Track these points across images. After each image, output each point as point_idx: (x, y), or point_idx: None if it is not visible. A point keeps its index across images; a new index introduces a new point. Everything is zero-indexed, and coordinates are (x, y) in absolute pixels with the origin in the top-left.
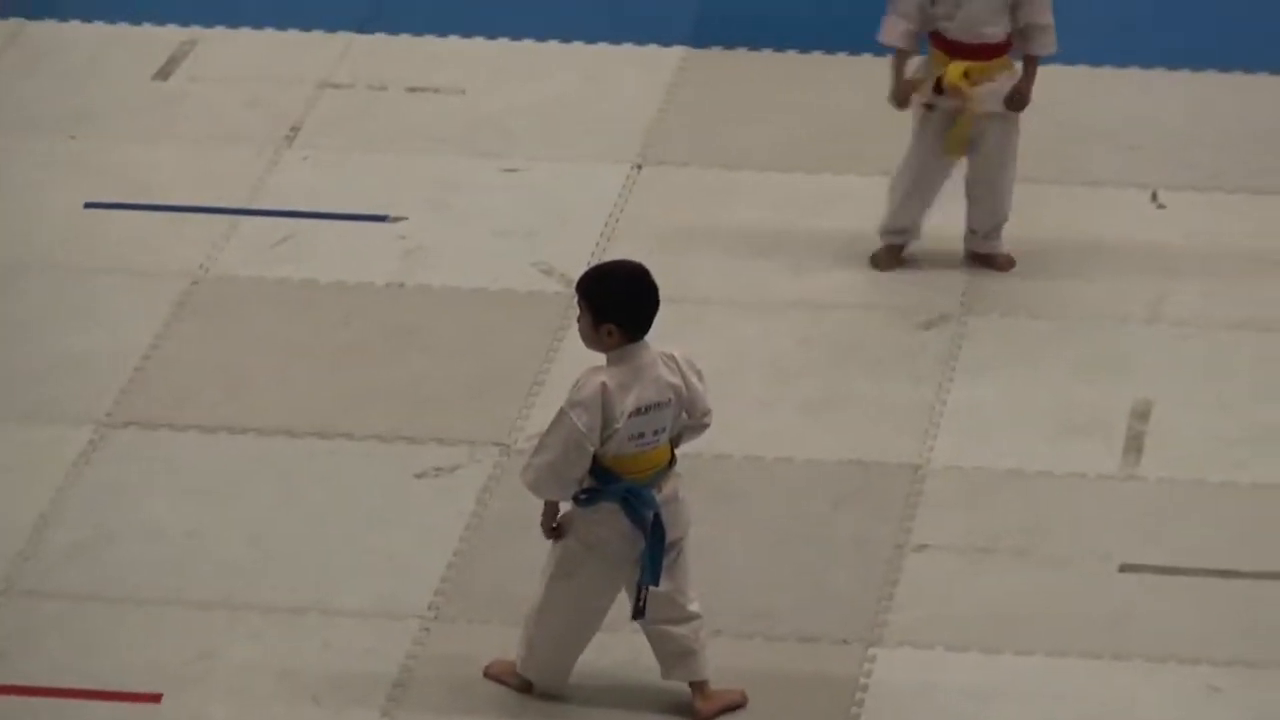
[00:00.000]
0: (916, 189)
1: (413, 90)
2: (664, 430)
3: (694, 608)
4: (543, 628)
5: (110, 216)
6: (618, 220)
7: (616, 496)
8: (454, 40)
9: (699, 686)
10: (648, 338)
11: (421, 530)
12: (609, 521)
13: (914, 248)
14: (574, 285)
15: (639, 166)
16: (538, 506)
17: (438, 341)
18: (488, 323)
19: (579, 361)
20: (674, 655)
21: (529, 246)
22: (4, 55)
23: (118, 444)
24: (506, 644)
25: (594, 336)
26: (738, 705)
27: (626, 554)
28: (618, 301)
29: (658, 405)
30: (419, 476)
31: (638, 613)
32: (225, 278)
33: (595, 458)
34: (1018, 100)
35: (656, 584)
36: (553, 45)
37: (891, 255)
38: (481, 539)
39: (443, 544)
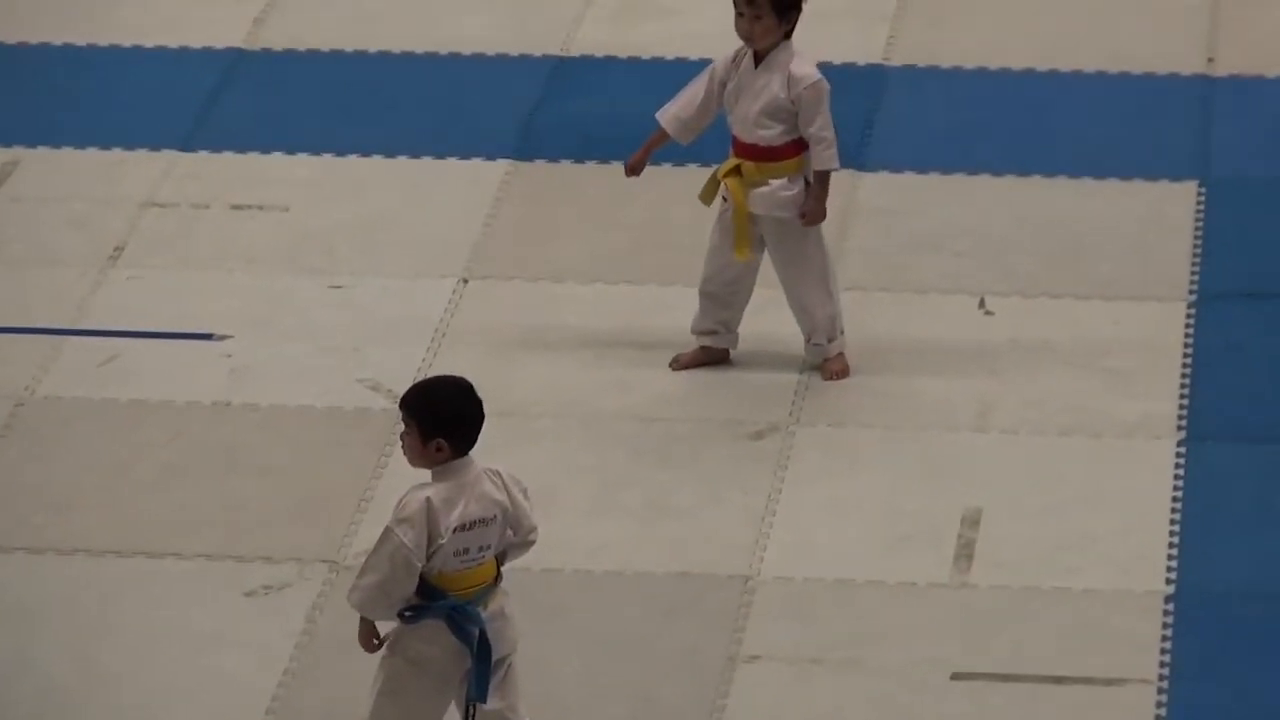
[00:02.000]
0: (711, 286)
1: (236, 208)
2: (489, 547)
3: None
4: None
5: None
6: (444, 334)
7: (442, 613)
8: (277, 157)
9: None
10: (473, 453)
11: (252, 649)
12: (435, 638)
13: (745, 352)
14: (399, 402)
15: (465, 280)
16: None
17: (265, 459)
18: (314, 440)
19: (406, 477)
20: None
21: (355, 363)
22: None
23: None
24: None
25: (421, 452)
26: None
27: (453, 671)
28: (445, 417)
29: (483, 521)
30: (248, 595)
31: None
32: (51, 398)
33: (421, 575)
34: (807, 216)
35: (484, 701)
36: (377, 160)
37: (697, 355)
38: (312, 657)
39: (274, 662)
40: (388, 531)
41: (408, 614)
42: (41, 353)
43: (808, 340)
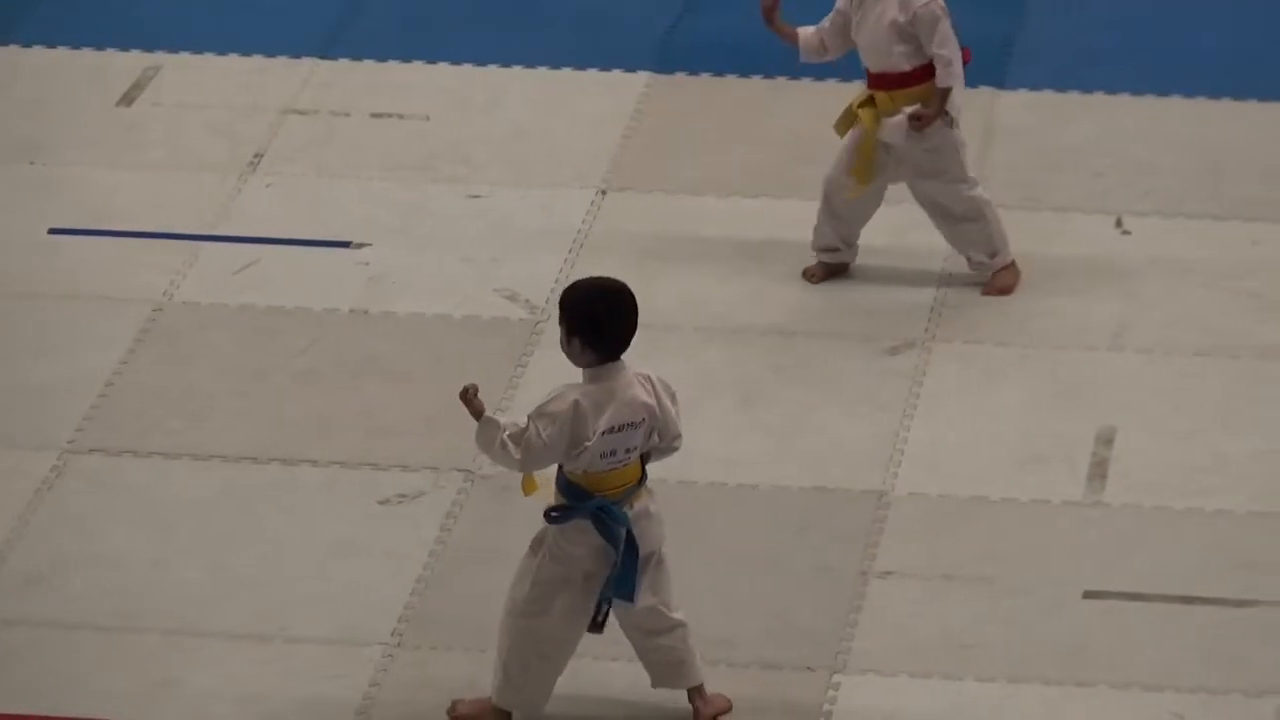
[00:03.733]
0: (828, 205)
1: (376, 116)
2: (635, 449)
3: (678, 615)
4: (518, 656)
5: (72, 243)
6: (581, 245)
7: (588, 514)
8: (418, 66)
9: (696, 691)
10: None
11: (385, 557)
12: (581, 539)
13: (884, 267)
14: (541, 309)
15: (603, 192)
16: (503, 534)
17: (402, 368)
18: (451, 349)
19: (543, 387)
20: (664, 665)
21: (492, 273)
22: None
23: (80, 471)
24: (471, 671)
25: (567, 349)
26: (728, 709)
27: (597, 572)
28: (583, 318)
29: (631, 425)
30: (382, 503)
31: (596, 627)
32: (188, 304)
33: (566, 475)
34: (914, 120)
35: (631, 599)
36: (517, 71)
37: (821, 270)
38: (445, 565)
39: (407, 571)
40: (529, 420)
41: (554, 514)
42: (180, 258)
43: (969, 260)
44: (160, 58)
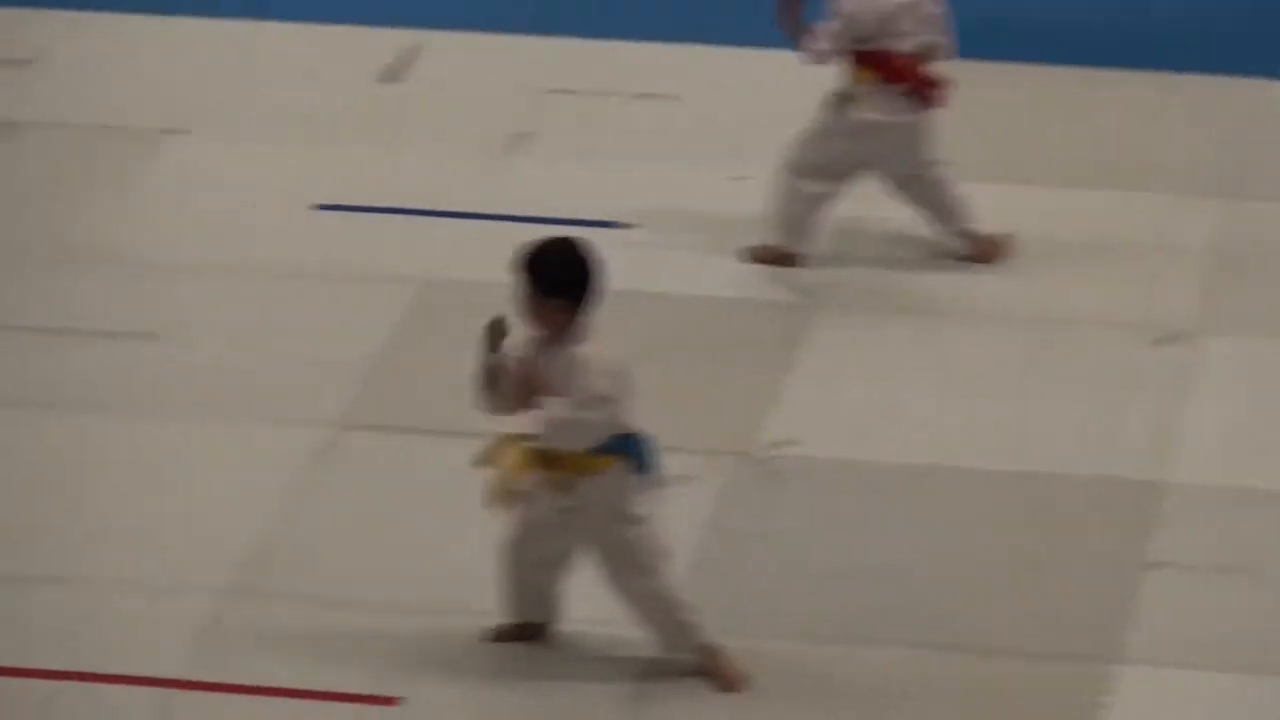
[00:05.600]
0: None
1: (639, 96)
2: None
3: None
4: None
5: (339, 220)
6: (852, 231)
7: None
8: (680, 47)
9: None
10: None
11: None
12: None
13: (1147, 252)
14: (809, 291)
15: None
16: (774, 516)
17: (675, 350)
18: (722, 330)
19: (817, 371)
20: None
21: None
22: (230, 55)
23: (349, 448)
24: (739, 653)
25: (539, 313)
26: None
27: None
28: (564, 277)
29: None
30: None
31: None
32: (456, 282)
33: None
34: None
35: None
36: (777, 54)
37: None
38: (717, 548)
39: (680, 553)
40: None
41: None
42: (447, 236)
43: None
44: (424, 35)
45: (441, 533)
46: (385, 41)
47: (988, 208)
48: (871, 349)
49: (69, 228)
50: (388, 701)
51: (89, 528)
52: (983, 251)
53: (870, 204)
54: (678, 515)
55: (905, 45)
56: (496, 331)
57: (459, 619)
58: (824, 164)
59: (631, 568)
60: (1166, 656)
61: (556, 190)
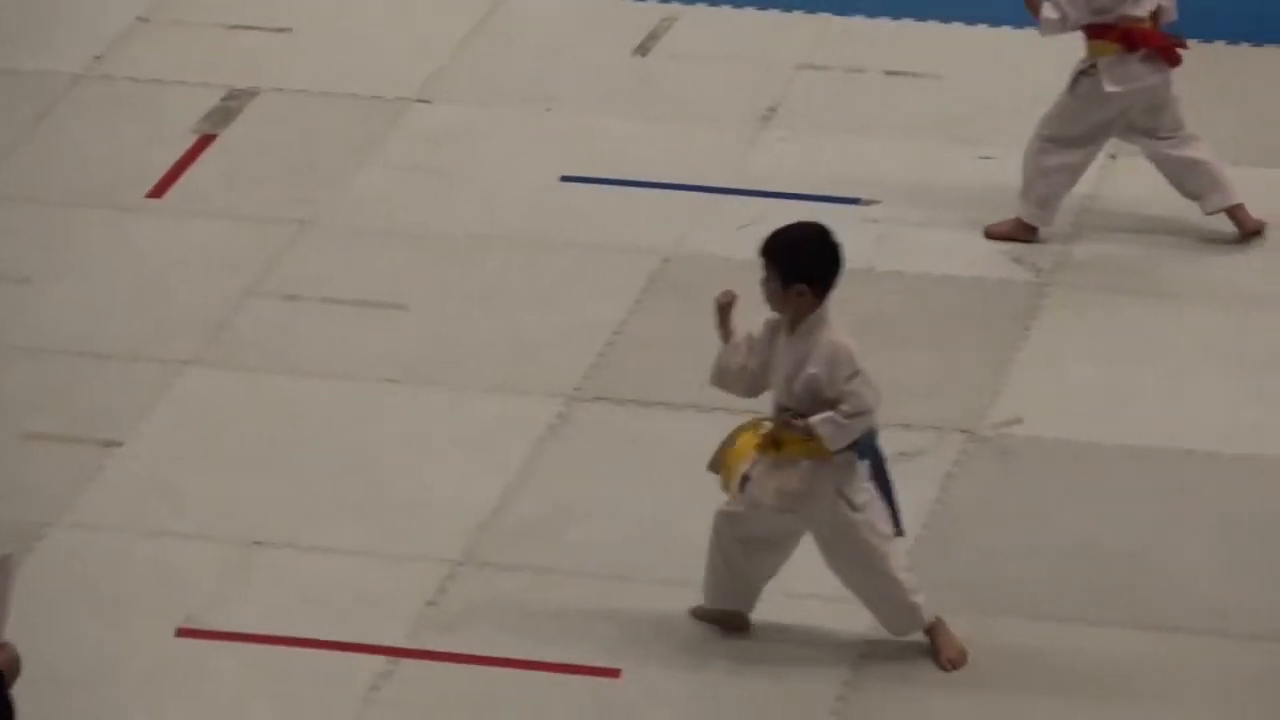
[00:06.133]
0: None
1: (890, 74)
2: None
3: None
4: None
5: (584, 191)
6: (1088, 210)
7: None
8: (932, 25)
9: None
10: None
11: None
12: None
13: None
14: (1046, 272)
15: (1114, 156)
16: (1003, 495)
17: (907, 327)
18: (957, 309)
19: (1049, 351)
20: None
21: None
22: (484, 28)
23: (584, 420)
24: (964, 632)
25: (783, 297)
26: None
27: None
28: (809, 264)
29: None
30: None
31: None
32: (698, 255)
33: None
34: None
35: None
36: (1030, 33)
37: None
38: (947, 525)
39: (909, 529)
40: (864, 380)
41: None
42: (691, 209)
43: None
44: (676, 8)
45: (674, 508)
46: (639, 15)
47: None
48: (1105, 328)
49: (315, 196)
50: (610, 674)
51: (327, 496)
52: (1241, 222)
53: (1110, 182)
54: (906, 491)
55: (1140, 11)
56: (723, 309)
57: (687, 593)
58: (1074, 136)
59: (854, 552)
60: None
61: (802, 166)
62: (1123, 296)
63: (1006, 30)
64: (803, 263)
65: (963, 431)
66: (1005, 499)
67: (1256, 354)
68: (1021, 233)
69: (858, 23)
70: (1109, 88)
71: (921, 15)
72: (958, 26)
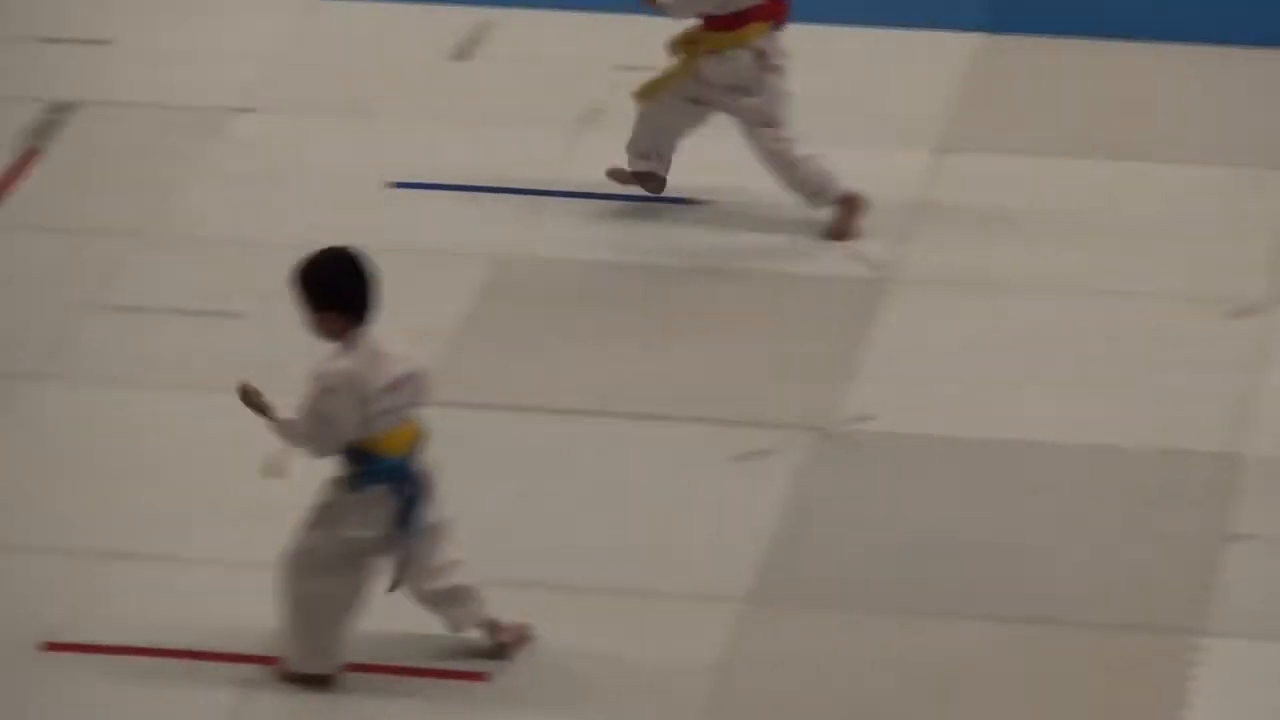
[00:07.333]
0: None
1: None
2: (412, 403)
3: (455, 555)
4: (324, 620)
5: (412, 196)
6: (920, 207)
7: (383, 477)
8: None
9: (489, 625)
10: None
11: (739, 514)
12: (379, 503)
13: (1211, 225)
14: (885, 267)
15: (941, 152)
16: (859, 493)
17: (746, 325)
18: (796, 306)
19: (891, 346)
20: (458, 604)
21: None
22: (301, 37)
23: (434, 425)
24: (824, 628)
25: (318, 326)
26: (528, 636)
27: (389, 532)
28: (328, 292)
29: (405, 378)
30: (736, 459)
31: (395, 585)
32: (531, 259)
33: (354, 441)
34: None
35: (413, 534)
36: (845, 30)
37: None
38: (799, 524)
39: (762, 529)
40: (315, 401)
41: (353, 482)
42: (520, 212)
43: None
44: (493, 13)
45: (520, 508)
46: (456, 19)
47: (1060, 181)
48: (945, 324)
49: (144, 207)
50: (476, 677)
51: (178, 506)
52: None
53: (940, 180)
54: (759, 490)
55: None
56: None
57: (546, 594)
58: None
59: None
60: (1252, 629)
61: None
62: (959, 291)
63: (818, 28)
64: (326, 289)
65: (812, 429)
66: (858, 495)
67: (1092, 346)
68: None
69: (669, 23)
70: None
71: None
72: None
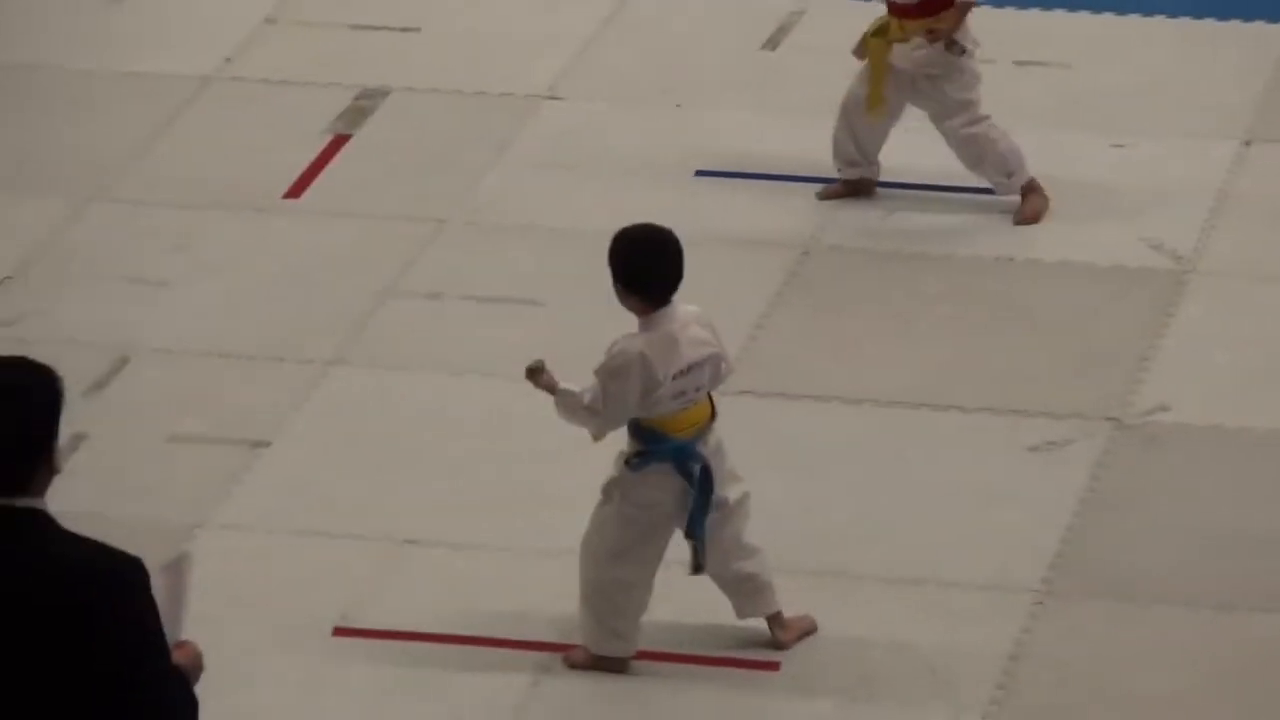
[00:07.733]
0: (846, 119)
1: (1019, 64)
2: (703, 386)
3: (755, 543)
4: (611, 604)
5: (719, 185)
6: (1226, 197)
7: (667, 456)
8: (1059, 14)
9: (775, 619)
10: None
11: (1034, 504)
12: (663, 483)
13: None
14: (1186, 260)
15: (1248, 143)
16: (1151, 483)
17: (1046, 315)
18: (1097, 296)
19: (1190, 337)
20: (746, 594)
21: (1137, 222)
22: (612, 24)
23: (730, 413)
24: (1119, 620)
25: (622, 299)
26: (812, 631)
27: (679, 512)
28: (634, 267)
29: (697, 364)
30: (1031, 450)
31: (697, 568)
32: (835, 248)
33: (639, 420)
34: (929, 34)
35: (696, 535)
36: (1158, 20)
37: (842, 188)
38: (1094, 515)
39: (1055, 520)
40: (602, 379)
41: (634, 461)
42: (825, 202)
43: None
44: (805, 1)
45: (819, 496)
46: (766, 8)
47: None
48: (1247, 316)
49: (449, 194)
50: (771, 666)
51: (474, 493)
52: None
53: (1244, 169)
54: (1055, 480)
55: None
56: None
57: (841, 582)
58: None
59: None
60: None
61: (937, 157)
62: (1262, 283)
63: (1133, 19)
64: (627, 266)
65: (1109, 419)
66: (1154, 487)
67: None
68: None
69: (984, 13)
70: None
71: (1048, 5)
72: (1083, 15)
